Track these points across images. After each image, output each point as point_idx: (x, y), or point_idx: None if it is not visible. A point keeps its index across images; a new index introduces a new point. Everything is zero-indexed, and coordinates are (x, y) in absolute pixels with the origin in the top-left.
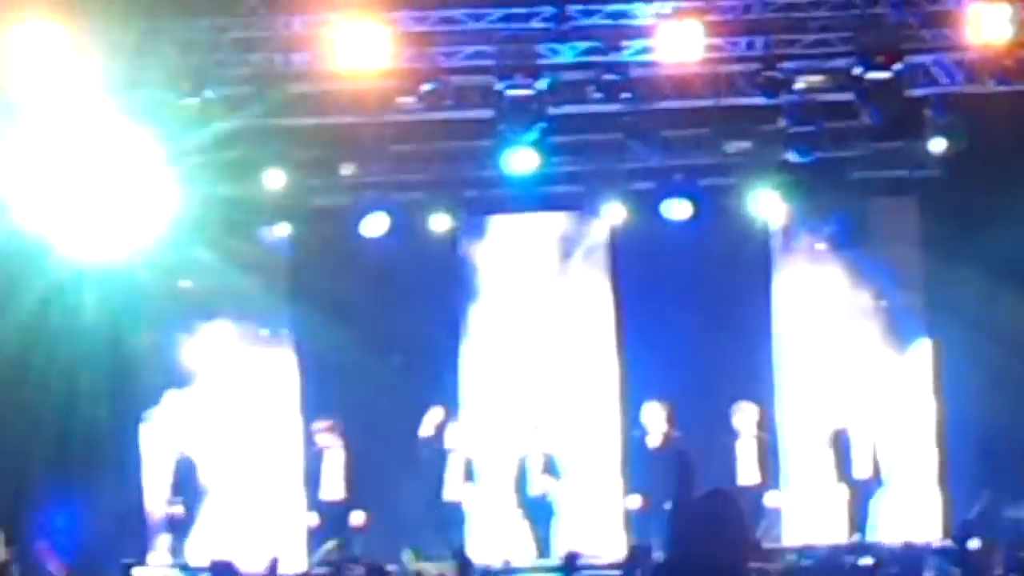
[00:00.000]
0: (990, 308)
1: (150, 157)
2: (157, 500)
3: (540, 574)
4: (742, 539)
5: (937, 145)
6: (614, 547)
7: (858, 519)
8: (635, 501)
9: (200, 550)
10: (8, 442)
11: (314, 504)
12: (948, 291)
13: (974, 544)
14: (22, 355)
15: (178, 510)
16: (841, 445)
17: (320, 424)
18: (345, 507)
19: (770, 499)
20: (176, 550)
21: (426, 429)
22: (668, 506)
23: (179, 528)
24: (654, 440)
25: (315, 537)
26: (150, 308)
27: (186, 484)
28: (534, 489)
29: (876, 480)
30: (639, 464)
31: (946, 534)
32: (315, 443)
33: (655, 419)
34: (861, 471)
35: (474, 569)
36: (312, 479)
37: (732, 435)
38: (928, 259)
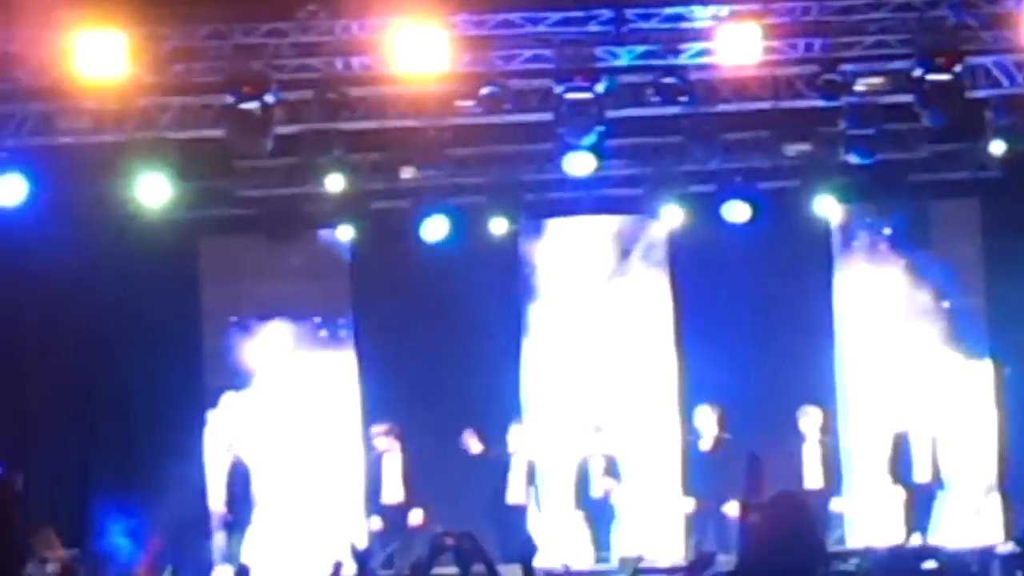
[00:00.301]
0: None
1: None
2: (214, 505)
3: None
4: (815, 542)
5: (997, 147)
6: (673, 551)
7: (919, 522)
8: (688, 505)
9: (258, 555)
10: (70, 443)
11: (376, 509)
12: (1010, 293)
13: None
14: (85, 358)
15: (231, 517)
16: (901, 448)
17: (379, 428)
18: (405, 510)
19: (835, 504)
20: (232, 556)
21: (475, 446)
22: (731, 509)
23: (234, 533)
24: (705, 443)
25: (378, 541)
26: (211, 308)
27: (240, 490)
28: (595, 491)
29: (937, 483)
30: (692, 467)
31: (1007, 538)
32: (374, 447)
33: (706, 422)
34: (921, 474)
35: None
36: (373, 483)
37: (797, 439)
38: (989, 261)
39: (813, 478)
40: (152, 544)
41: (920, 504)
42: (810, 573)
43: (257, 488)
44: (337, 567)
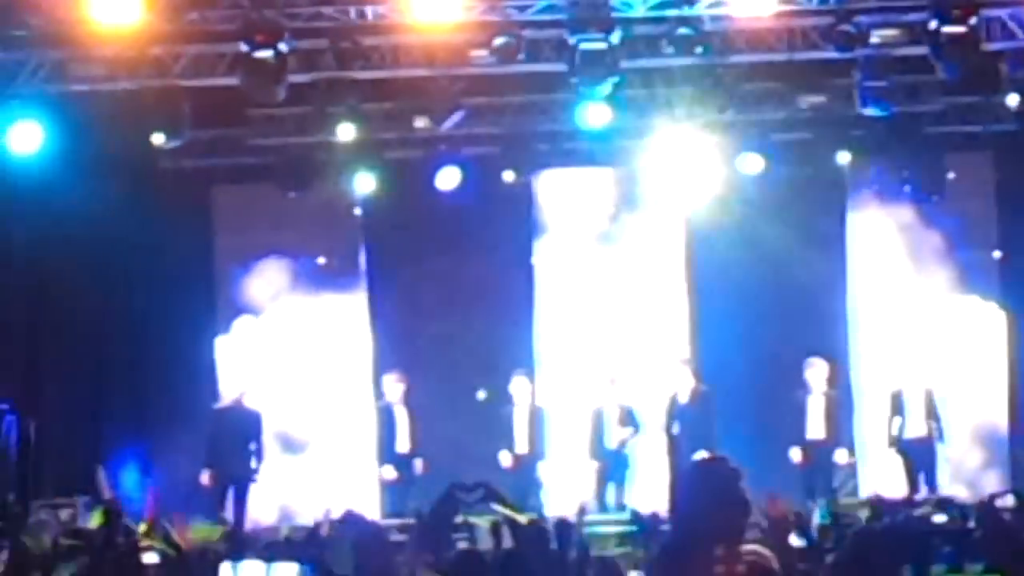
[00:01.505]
0: None
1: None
2: (224, 454)
3: (613, 527)
4: (739, 501)
5: (1012, 100)
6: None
7: (922, 476)
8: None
9: (268, 504)
10: (82, 392)
11: (389, 458)
12: (1022, 245)
13: None
14: (98, 305)
15: (243, 467)
16: (899, 407)
17: (390, 377)
18: (411, 459)
19: (839, 456)
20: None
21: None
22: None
23: (242, 482)
24: (683, 396)
25: (390, 491)
26: (223, 256)
27: (251, 437)
28: (610, 442)
29: (937, 436)
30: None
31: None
32: (384, 396)
33: (683, 375)
34: (919, 429)
35: (547, 520)
36: (387, 433)
37: (804, 390)
38: (1003, 214)
39: (816, 429)
40: (154, 493)
41: (921, 459)
42: (741, 529)
43: (268, 437)
44: (327, 515)
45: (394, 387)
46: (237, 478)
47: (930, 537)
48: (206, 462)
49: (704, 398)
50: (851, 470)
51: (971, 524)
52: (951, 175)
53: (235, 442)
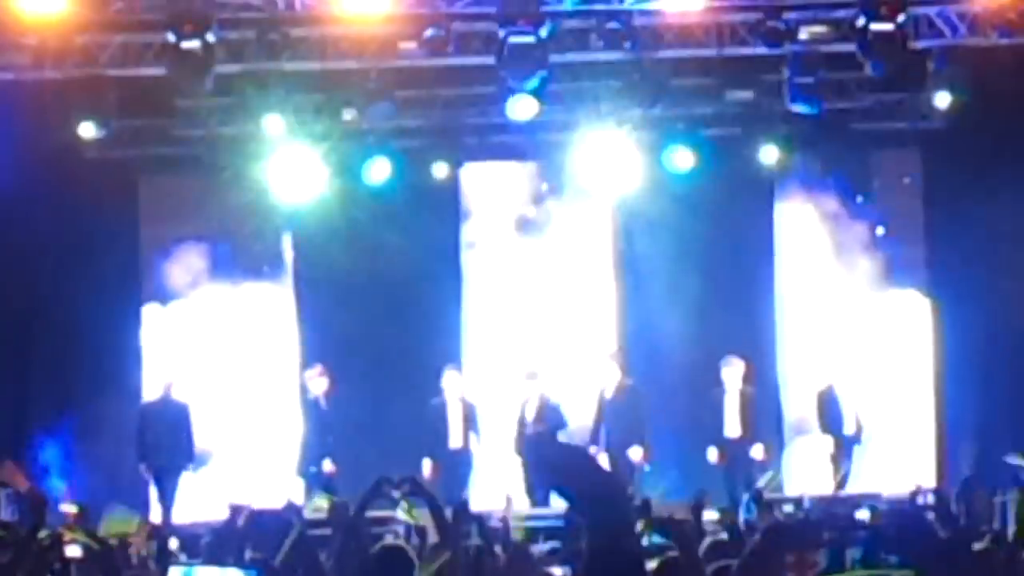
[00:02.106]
0: (991, 261)
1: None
2: (154, 447)
3: (539, 522)
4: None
5: (942, 100)
6: None
7: (845, 472)
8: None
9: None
10: (7, 380)
11: (315, 453)
12: (949, 243)
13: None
14: (22, 294)
15: (172, 459)
16: (827, 404)
17: (313, 371)
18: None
19: (756, 451)
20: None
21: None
22: (634, 454)
23: (172, 475)
24: (608, 391)
25: (313, 483)
26: (149, 246)
27: (182, 433)
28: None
29: (858, 435)
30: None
31: (939, 482)
32: (309, 390)
33: (611, 370)
34: (849, 426)
35: (471, 516)
36: (313, 428)
37: (720, 388)
38: (929, 211)
39: (732, 427)
40: (73, 484)
41: (845, 454)
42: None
43: (197, 430)
44: (235, 510)
45: (317, 381)
46: (167, 470)
47: (845, 532)
48: (138, 455)
49: (631, 393)
50: (775, 466)
51: (889, 520)
52: (876, 178)
53: (164, 434)
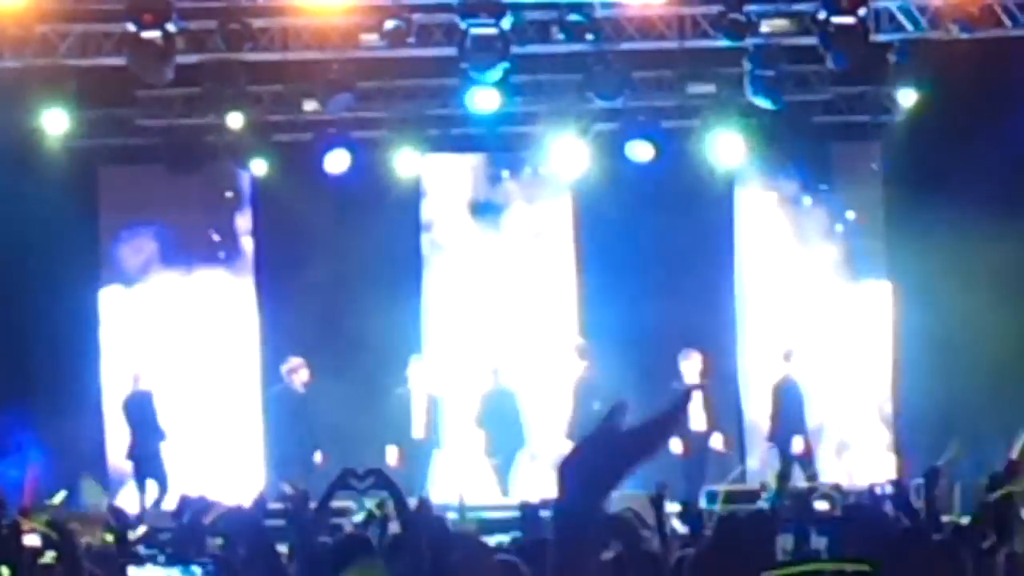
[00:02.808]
0: (950, 253)
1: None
2: (117, 437)
3: (499, 512)
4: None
5: (905, 97)
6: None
7: (804, 466)
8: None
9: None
10: None
11: (289, 444)
12: (908, 236)
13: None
14: None
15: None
16: (787, 392)
17: (294, 363)
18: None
19: (715, 441)
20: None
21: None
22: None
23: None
24: (571, 380)
25: (276, 475)
26: (107, 237)
27: (145, 421)
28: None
29: (816, 428)
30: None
31: (899, 473)
32: (291, 381)
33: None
34: (808, 419)
35: (431, 508)
36: (298, 416)
37: (679, 381)
38: (889, 204)
39: (696, 420)
40: (33, 472)
41: (806, 446)
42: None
43: (163, 418)
44: (182, 502)
45: (301, 373)
46: (145, 457)
47: (803, 523)
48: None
49: (593, 384)
50: (735, 457)
51: (848, 512)
52: (836, 170)
53: (137, 424)
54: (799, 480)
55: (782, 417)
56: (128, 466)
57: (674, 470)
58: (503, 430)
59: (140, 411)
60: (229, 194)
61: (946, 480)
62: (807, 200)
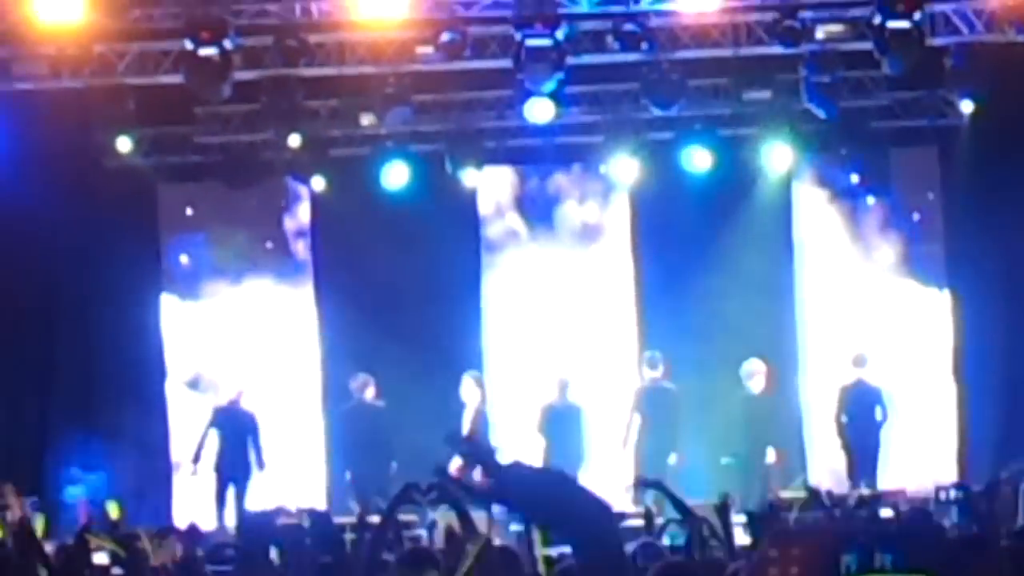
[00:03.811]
0: (1010, 257)
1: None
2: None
3: None
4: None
5: (966, 107)
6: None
7: (867, 471)
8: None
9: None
10: (29, 391)
11: (356, 457)
12: (968, 241)
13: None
14: (43, 306)
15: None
16: (847, 401)
17: (363, 379)
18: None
19: (768, 455)
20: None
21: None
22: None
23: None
24: (643, 391)
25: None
26: (169, 254)
27: (243, 442)
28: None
29: (878, 432)
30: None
31: (961, 477)
32: (362, 396)
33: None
34: (869, 425)
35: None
36: (364, 433)
37: (742, 391)
38: (948, 209)
39: (752, 430)
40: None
41: (865, 453)
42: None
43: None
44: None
45: (370, 389)
46: (230, 479)
47: (860, 535)
48: (195, 457)
49: (670, 395)
50: (798, 467)
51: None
52: (894, 175)
53: (233, 442)
54: (863, 487)
55: (851, 421)
56: (206, 475)
57: (733, 480)
58: (565, 445)
59: (239, 428)
60: (287, 210)
61: (1009, 488)
62: (864, 205)
